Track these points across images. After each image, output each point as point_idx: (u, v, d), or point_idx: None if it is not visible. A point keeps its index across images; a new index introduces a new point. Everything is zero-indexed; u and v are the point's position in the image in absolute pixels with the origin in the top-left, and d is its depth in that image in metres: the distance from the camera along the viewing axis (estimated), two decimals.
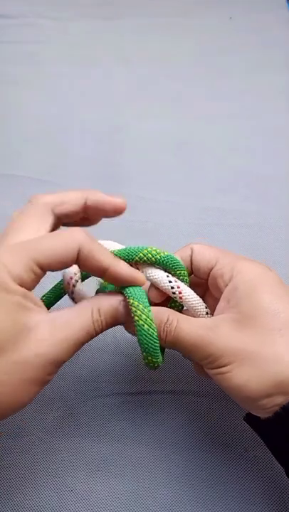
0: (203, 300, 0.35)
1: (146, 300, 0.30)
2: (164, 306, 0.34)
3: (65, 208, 0.32)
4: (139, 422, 0.42)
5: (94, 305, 0.29)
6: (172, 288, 0.33)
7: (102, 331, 0.30)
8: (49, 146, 0.61)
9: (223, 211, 0.55)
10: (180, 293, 0.33)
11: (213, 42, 0.72)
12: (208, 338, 0.30)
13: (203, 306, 0.35)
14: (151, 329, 0.30)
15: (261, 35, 0.72)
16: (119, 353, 0.45)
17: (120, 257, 0.32)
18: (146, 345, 0.30)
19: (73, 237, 0.28)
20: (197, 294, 0.35)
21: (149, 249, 0.33)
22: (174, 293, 0.33)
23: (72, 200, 0.32)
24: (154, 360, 0.31)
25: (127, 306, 0.30)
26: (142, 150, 0.60)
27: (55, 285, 0.36)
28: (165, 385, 0.43)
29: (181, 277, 0.34)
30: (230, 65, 0.69)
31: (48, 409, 0.43)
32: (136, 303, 0.30)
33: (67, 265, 0.29)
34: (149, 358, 0.31)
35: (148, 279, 0.34)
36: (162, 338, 0.31)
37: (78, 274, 0.33)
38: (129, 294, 0.30)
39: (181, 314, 0.33)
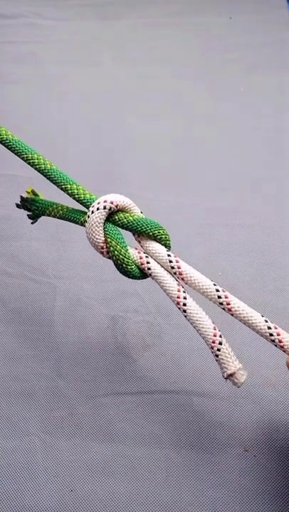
0: None
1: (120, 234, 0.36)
2: None
3: None
4: (139, 422, 0.42)
5: None
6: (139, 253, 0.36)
7: None
8: (49, 146, 0.61)
9: (223, 211, 0.55)
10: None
11: (213, 42, 0.72)
12: None
13: (166, 255, 0.36)
14: (123, 250, 0.35)
15: (261, 35, 0.72)
16: (119, 353, 0.45)
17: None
18: (117, 262, 0.35)
19: None
20: None
21: (120, 215, 0.35)
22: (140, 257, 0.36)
23: None
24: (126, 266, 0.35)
25: None
26: (142, 150, 0.60)
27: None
28: (165, 385, 0.43)
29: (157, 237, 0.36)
30: (231, 64, 0.69)
31: (48, 409, 0.43)
32: (110, 238, 0.35)
33: None
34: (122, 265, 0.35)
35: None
36: None
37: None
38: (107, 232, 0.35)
39: None
